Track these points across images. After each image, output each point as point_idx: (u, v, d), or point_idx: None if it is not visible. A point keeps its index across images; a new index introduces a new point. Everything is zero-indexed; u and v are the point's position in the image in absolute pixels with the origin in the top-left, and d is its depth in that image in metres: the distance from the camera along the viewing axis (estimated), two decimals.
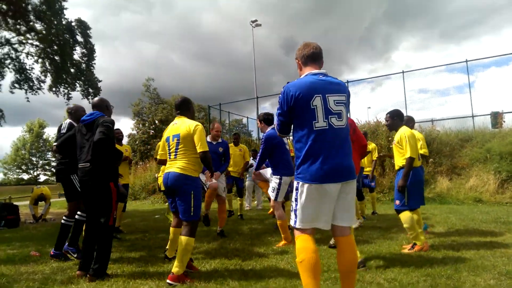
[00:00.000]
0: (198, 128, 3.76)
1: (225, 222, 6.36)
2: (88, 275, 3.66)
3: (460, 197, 10.42)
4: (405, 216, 4.46)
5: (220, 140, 6.29)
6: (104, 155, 3.79)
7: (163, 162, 4.20)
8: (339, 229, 2.54)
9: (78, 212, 4.66)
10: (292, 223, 2.54)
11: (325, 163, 2.43)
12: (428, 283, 3.22)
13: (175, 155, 3.79)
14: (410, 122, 5.37)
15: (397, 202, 4.58)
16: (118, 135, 7.25)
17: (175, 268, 3.50)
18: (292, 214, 2.55)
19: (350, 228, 2.59)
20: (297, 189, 2.54)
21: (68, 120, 5.01)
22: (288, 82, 2.63)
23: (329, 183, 2.43)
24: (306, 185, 2.47)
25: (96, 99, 4.23)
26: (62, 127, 4.95)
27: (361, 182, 7.00)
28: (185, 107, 4.03)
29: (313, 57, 2.70)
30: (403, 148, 4.50)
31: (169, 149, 3.88)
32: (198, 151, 3.70)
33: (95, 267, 3.66)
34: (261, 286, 3.30)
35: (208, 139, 6.10)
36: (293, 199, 2.58)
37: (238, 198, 9.09)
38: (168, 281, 3.45)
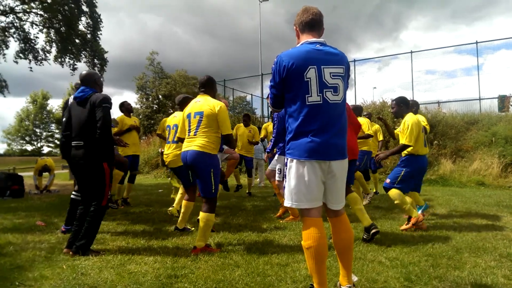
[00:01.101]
0: (222, 108, 3.77)
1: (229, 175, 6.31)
2: (70, 252, 3.60)
3: (463, 180, 10.42)
4: (393, 192, 4.52)
5: None
6: (98, 136, 3.64)
7: (182, 141, 4.07)
8: (332, 211, 2.49)
9: (74, 192, 4.55)
10: (285, 203, 2.44)
11: (316, 140, 2.29)
12: (429, 263, 3.25)
13: (195, 132, 3.79)
14: (413, 106, 5.31)
15: (388, 180, 4.62)
16: (128, 107, 7.25)
17: (198, 242, 3.67)
18: (284, 192, 2.47)
19: (343, 208, 2.53)
20: (286, 165, 2.43)
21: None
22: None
23: (319, 160, 2.31)
24: (295, 161, 2.35)
25: (83, 73, 3.96)
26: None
27: (368, 163, 6.95)
28: (210, 86, 4.04)
29: (311, 24, 2.47)
30: (405, 134, 4.48)
31: (189, 126, 3.86)
32: (224, 133, 3.76)
33: (80, 243, 3.58)
34: (263, 261, 3.35)
35: None
36: (284, 176, 2.49)
37: (248, 177, 9.11)
38: (192, 254, 3.59)
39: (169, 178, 8.14)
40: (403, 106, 4.67)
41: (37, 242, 4.11)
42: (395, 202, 4.57)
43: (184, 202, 4.62)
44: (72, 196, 4.59)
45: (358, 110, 6.48)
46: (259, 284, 2.78)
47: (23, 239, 4.30)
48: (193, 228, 4.72)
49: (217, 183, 3.78)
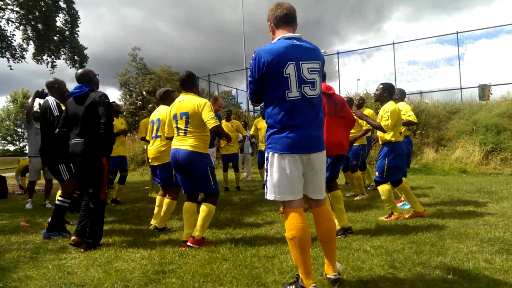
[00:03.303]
0: (206, 104, 3.74)
1: None
2: (82, 249, 3.69)
3: (445, 168, 10.63)
4: (383, 188, 4.62)
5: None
6: (102, 132, 3.74)
7: (170, 139, 4.07)
8: (314, 201, 2.54)
9: (59, 198, 4.42)
10: (268, 196, 2.47)
11: (296, 134, 2.36)
12: (413, 250, 3.32)
13: (185, 132, 3.77)
14: (398, 94, 5.50)
15: (377, 173, 4.73)
16: (116, 107, 7.23)
17: (196, 232, 3.70)
18: (266, 186, 2.48)
19: (324, 198, 2.58)
20: (267, 159, 2.46)
21: (54, 100, 4.52)
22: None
23: (299, 153, 2.38)
24: (276, 155, 2.40)
25: (79, 71, 4.05)
26: (52, 108, 4.42)
27: (361, 155, 6.88)
28: (190, 82, 3.98)
29: (286, 19, 2.50)
30: (385, 120, 4.60)
31: (177, 126, 3.83)
32: (210, 127, 3.69)
33: (89, 241, 3.70)
34: (251, 253, 3.37)
35: None
36: (264, 170, 2.52)
37: (234, 172, 9.15)
38: (188, 243, 3.66)
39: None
40: (387, 93, 4.76)
41: (21, 243, 4.05)
42: (382, 197, 4.67)
43: (166, 200, 4.51)
44: (57, 202, 4.40)
45: (349, 103, 6.55)
46: (246, 276, 2.80)
47: (7, 240, 4.23)
48: (173, 228, 4.68)
49: (215, 178, 3.85)
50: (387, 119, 4.57)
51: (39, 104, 6.25)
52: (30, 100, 6.16)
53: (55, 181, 5.78)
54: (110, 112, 3.80)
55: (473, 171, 10.15)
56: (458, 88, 14.53)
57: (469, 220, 4.38)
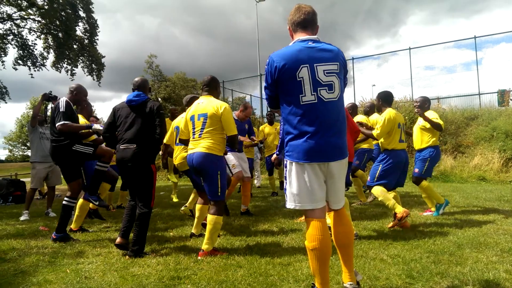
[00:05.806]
0: (226, 109, 3.74)
1: (250, 201, 6.33)
2: (127, 256, 3.68)
3: (463, 176, 10.43)
4: (376, 190, 4.63)
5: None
6: (154, 140, 3.86)
7: (184, 142, 4.07)
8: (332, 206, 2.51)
9: (66, 198, 4.44)
10: (287, 205, 2.41)
11: (314, 141, 2.26)
12: (431, 259, 3.26)
13: (200, 134, 3.76)
14: (426, 103, 5.72)
15: (369, 178, 4.83)
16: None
17: (205, 245, 3.63)
18: (285, 194, 2.44)
19: (343, 203, 2.53)
20: (286, 167, 2.40)
21: (65, 99, 4.46)
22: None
23: (318, 162, 2.29)
24: (294, 163, 2.33)
25: (137, 79, 4.10)
26: (60, 106, 4.36)
27: (366, 157, 6.89)
28: (213, 86, 4.02)
29: (303, 24, 2.43)
30: (378, 127, 4.69)
31: (194, 128, 3.83)
32: (228, 134, 3.72)
33: (135, 248, 3.70)
34: (265, 261, 3.36)
35: (235, 116, 6.00)
36: (284, 178, 2.47)
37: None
38: (199, 257, 3.54)
39: (168, 173, 8.08)
40: (381, 101, 4.91)
41: (40, 247, 4.13)
42: (379, 198, 4.65)
43: (198, 206, 4.49)
44: (64, 202, 4.45)
45: (353, 109, 6.55)
46: (261, 284, 2.80)
47: (26, 244, 4.31)
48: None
49: (223, 186, 3.77)
50: (379, 126, 4.65)
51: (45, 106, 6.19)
52: (37, 103, 6.23)
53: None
54: (164, 123, 3.92)
55: (492, 178, 9.93)
56: (476, 94, 14.28)
57: (489, 229, 4.29)
